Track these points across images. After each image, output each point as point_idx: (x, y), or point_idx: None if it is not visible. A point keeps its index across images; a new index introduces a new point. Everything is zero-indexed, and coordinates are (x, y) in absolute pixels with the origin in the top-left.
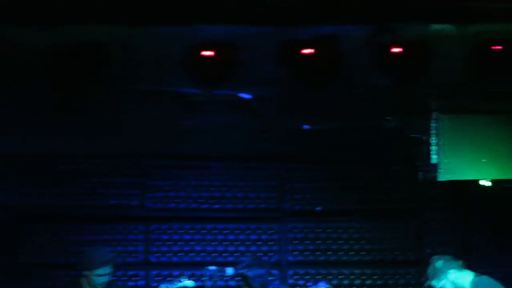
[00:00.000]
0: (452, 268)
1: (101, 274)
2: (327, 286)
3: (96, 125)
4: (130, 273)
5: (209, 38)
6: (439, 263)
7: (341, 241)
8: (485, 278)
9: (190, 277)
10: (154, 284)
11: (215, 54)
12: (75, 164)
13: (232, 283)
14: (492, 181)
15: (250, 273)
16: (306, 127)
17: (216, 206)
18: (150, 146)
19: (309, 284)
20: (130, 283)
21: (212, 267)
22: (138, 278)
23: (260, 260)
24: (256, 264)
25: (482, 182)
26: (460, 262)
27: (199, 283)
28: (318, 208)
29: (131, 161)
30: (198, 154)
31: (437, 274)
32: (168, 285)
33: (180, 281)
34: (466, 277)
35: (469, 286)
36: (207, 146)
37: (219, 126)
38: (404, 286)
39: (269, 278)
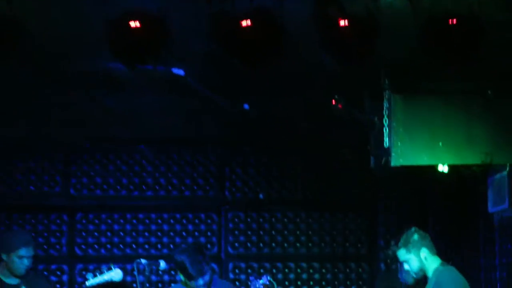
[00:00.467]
0: (426, 247)
1: (24, 256)
2: (268, 279)
3: (11, 107)
4: (53, 267)
5: (135, 9)
6: (416, 236)
7: (286, 232)
8: (449, 269)
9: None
10: (80, 279)
11: (142, 26)
12: None
13: (166, 277)
14: (449, 166)
15: (183, 258)
16: (246, 107)
17: (148, 193)
18: (73, 129)
19: (251, 278)
20: (53, 278)
21: (144, 260)
22: (62, 272)
23: (196, 246)
24: (190, 249)
25: (439, 168)
26: (434, 247)
27: (129, 278)
28: (260, 196)
29: (53, 145)
30: (128, 137)
31: (410, 245)
32: (94, 277)
33: (107, 271)
34: (432, 263)
35: (432, 273)
36: (138, 129)
37: (150, 107)
38: (356, 281)
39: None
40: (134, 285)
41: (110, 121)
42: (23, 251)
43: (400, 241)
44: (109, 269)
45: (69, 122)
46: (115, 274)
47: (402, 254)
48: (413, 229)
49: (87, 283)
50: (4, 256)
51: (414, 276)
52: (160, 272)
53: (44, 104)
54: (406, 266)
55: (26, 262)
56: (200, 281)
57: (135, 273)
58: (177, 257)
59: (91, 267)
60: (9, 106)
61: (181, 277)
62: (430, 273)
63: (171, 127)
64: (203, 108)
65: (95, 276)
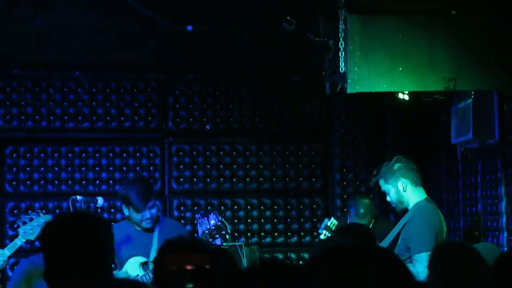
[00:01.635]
0: (406, 178)
1: None
2: (218, 219)
3: None
4: None
5: None
6: (396, 165)
7: (235, 167)
8: (429, 206)
9: (54, 210)
10: (11, 218)
11: None
12: None
13: (105, 215)
14: (409, 93)
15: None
16: (189, 28)
17: (85, 124)
18: None
19: (197, 216)
20: None
21: (80, 197)
22: None
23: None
24: (135, 181)
25: (399, 96)
26: (419, 179)
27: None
28: (207, 127)
29: None
30: (61, 62)
31: (388, 175)
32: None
33: (35, 218)
34: (414, 195)
35: (411, 207)
36: (71, 54)
37: (85, 29)
38: (310, 218)
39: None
40: None
41: (40, 44)
42: None
43: (379, 170)
44: (38, 216)
45: None
46: (46, 219)
47: (382, 184)
48: (394, 158)
49: (21, 231)
50: None
51: (397, 208)
52: (99, 210)
53: None
54: (388, 198)
55: None
56: (147, 214)
57: (71, 210)
58: (121, 190)
59: (23, 205)
60: None
61: (125, 211)
62: (410, 206)
63: (108, 52)
64: (143, 30)
65: (25, 223)
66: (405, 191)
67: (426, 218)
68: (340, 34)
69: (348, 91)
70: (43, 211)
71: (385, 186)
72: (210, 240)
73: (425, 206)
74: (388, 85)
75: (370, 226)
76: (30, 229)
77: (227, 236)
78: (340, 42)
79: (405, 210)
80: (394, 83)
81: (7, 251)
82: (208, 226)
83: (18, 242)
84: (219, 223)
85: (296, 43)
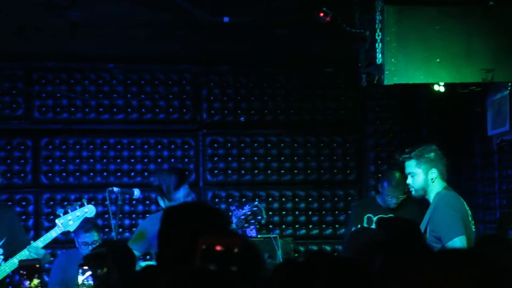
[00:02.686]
0: (438, 169)
1: None
2: (255, 205)
3: None
4: (17, 196)
5: None
6: (432, 154)
7: (269, 158)
8: (451, 194)
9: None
10: (47, 210)
11: None
12: None
13: (140, 207)
14: (445, 85)
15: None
16: (226, 20)
17: (120, 116)
18: (32, 45)
19: (232, 208)
20: (17, 209)
21: (117, 189)
22: (27, 202)
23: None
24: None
25: (435, 87)
26: (446, 174)
27: (101, 209)
28: (241, 119)
29: (11, 63)
30: (96, 54)
31: (423, 159)
32: (65, 212)
33: (77, 208)
34: (436, 187)
35: (432, 198)
36: (104, 44)
37: (117, 19)
38: (344, 210)
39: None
40: (106, 215)
41: (76, 36)
42: None
43: (414, 151)
44: (82, 205)
45: (28, 36)
46: (88, 211)
47: (411, 165)
48: (433, 146)
49: (58, 221)
50: None
51: (415, 194)
52: (134, 202)
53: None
54: (409, 180)
55: None
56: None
57: (107, 202)
58: (155, 180)
59: (58, 196)
60: None
61: (161, 203)
62: (431, 197)
63: (143, 43)
64: (178, 22)
65: (66, 212)
66: (433, 181)
67: (450, 204)
68: (376, 25)
69: (385, 82)
70: (80, 203)
71: (414, 168)
72: (246, 225)
73: (446, 194)
74: (425, 77)
75: (403, 197)
76: (68, 220)
77: (262, 221)
78: (377, 33)
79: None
80: (431, 74)
81: (41, 243)
82: (243, 212)
83: (54, 233)
84: (255, 208)
85: (329, 34)
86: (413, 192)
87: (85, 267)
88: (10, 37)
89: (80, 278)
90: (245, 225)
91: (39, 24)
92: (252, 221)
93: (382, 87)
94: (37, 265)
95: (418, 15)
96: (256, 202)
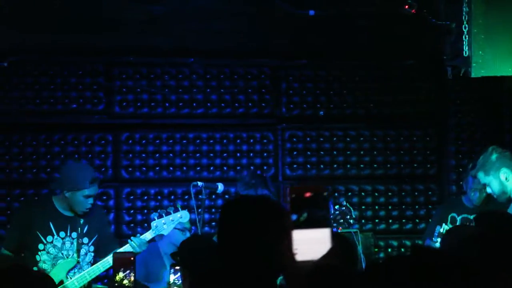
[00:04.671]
0: (506, 167)
1: (90, 195)
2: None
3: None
4: (98, 191)
5: None
6: (494, 156)
7: (349, 152)
8: None
9: (169, 196)
10: (127, 204)
11: None
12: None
13: (220, 202)
14: None
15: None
16: (312, 13)
17: (199, 111)
18: (113, 39)
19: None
20: (98, 203)
21: (201, 183)
22: (108, 197)
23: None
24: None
25: None
26: None
27: (180, 202)
28: (321, 113)
29: (92, 58)
30: (174, 48)
31: (487, 166)
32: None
33: (171, 213)
34: None
35: None
36: (184, 38)
37: (197, 13)
38: (424, 205)
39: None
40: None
41: (156, 30)
42: (90, 190)
43: (476, 163)
44: (176, 210)
45: (109, 31)
46: (182, 216)
47: (481, 177)
48: (490, 148)
49: (154, 224)
50: (67, 194)
51: (501, 199)
52: (213, 196)
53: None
54: (488, 189)
55: (91, 201)
56: None
57: (193, 196)
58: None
59: (138, 191)
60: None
61: None
62: None
63: (223, 37)
64: (258, 15)
65: (160, 216)
66: (507, 180)
67: None
68: (463, 17)
69: (473, 75)
70: (174, 208)
71: (485, 179)
72: (335, 224)
73: None
74: None
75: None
76: (163, 224)
77: (351, 221)
78: (463, 25)
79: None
80: None
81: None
82: (331, 212)
83: (149, 235)
84: (343, 208)
85: (413, 26)
86: (499, 199)
87: (177, 267)
88: (91, 32)
89: (172, 277)
90: (334, 224)
91: (121, 18)
92: (341, 220)
93: (464, 79)
94: (132, 258)
95: (506, 6)
96: (344, 202)
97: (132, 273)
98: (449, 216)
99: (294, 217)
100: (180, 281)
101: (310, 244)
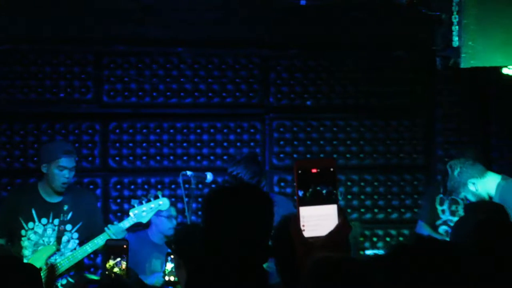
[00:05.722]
0: (471, 177)
1: (64, 167)
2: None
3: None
4: (86, 180)
5: None
6: (456, 172)
7: (336, 142)
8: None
9: (156, 185)
10: (115, 193)
11: None
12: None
13: (207, 191)
14: None
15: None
16: (303, 2)
17: (187, 100)
18: (102, 28)
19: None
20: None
21: (190, 172)
22: (95, 186)
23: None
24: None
25: (504, 70)
26: (480, 166)
27: (167, 192)
28: (308, 103)
29: (81, 47)
30: (163, 37)
31: (456, 185)
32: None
33: (152, 200)
34: (490, 182)
35: (495, 192)
36: (173, 28)
37: (187, 2)
38: (411, 194)
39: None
40: (173, 199)
41: (145, 19)
42: (63, 161)
43: (448, 188)
44: (156, 197)
45: (99, 20)
46: (163, 203)
47: (456, 197)
48: (448, 168)
49: (132, 212)
50: (44, 169)
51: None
52: (200, 186)
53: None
54: (473, 198)
55: (66, 174)
56: None
57: (181, 185)
58: (232, 170)
59: (126, 180)
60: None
61: None
62: (493, 192)
63: (211, 27)
64: (249, 5)
65: (140, 203)
66: (477, 189)
67: None
68: (453, 8)
69: (462, 65)
70: (155, 195)
71: (460, 195)
72: None
73: (510, 184)
74: (504, 59)
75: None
76: (142, 211)
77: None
78: (453, 16)
79: None
80: (510, 57)
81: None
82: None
83: (127, 223)
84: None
85: (402, 17)
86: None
87: (173, 256)
88: (81, 21)
89: (169, 266)
90: None
91: (110, 7)
92: None
93: (452, 70)
94: (125, 246)
95: None
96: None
97: (123, 261)
98: (438, 197)
99: (300, 193)
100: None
101: (318, 220)
